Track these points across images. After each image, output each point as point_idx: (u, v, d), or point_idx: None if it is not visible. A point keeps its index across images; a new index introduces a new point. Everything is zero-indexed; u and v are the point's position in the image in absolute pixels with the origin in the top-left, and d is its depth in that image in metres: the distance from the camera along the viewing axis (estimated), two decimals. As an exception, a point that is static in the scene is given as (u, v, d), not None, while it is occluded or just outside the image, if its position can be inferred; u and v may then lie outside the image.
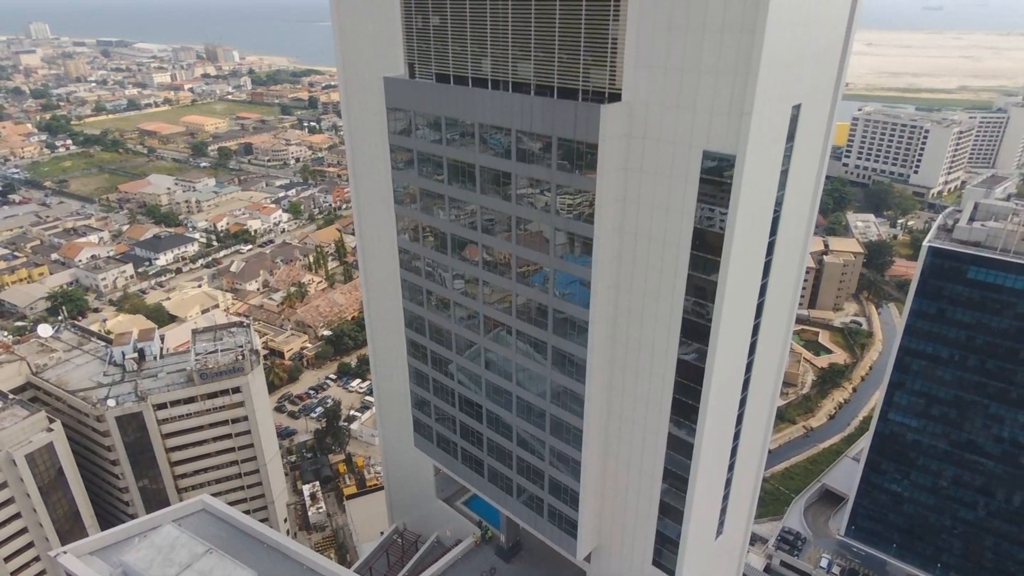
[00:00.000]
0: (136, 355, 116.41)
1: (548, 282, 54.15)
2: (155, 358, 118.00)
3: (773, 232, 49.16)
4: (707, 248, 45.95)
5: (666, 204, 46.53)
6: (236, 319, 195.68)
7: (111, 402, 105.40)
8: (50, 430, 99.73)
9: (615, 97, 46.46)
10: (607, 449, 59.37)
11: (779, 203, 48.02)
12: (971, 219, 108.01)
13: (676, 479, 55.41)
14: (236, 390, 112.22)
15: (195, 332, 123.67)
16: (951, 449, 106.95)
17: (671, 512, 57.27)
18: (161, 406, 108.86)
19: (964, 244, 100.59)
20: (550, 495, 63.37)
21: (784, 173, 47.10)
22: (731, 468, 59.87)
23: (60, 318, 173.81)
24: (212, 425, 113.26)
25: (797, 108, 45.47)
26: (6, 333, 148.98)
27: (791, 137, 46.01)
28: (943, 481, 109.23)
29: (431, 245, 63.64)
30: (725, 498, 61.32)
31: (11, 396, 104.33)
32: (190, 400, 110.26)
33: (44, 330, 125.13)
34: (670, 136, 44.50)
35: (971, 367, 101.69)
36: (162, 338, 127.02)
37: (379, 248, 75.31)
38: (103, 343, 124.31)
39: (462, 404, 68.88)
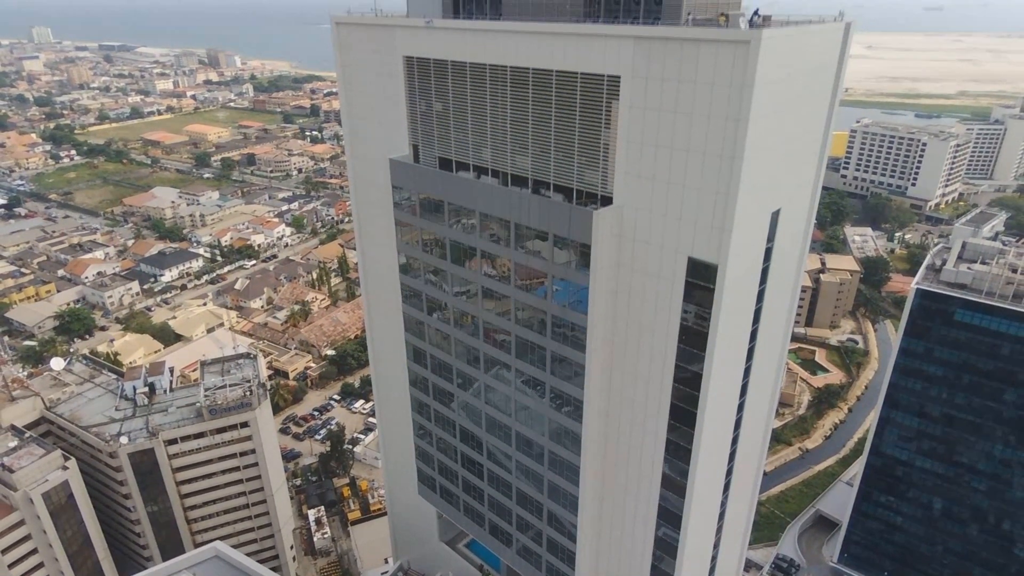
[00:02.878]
0: (147, 389, 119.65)
1: (545, 360, 57.24)
2: (165, 392, 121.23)
3: (756, 321, 52.22)
4: (693, 341, 48.95)
5: (655, 299, 49.54)
6: (241, 338, 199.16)
7: (124, 439, 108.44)
8: (65, 468, 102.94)
9: (608, 199, 49.47)
10: (602, 512, 62.44)
11: (761, 296, 51.04)
12: (959, 258, 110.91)
13: (666, 545, 58.49)
14: (244, 424, 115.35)
15: (203, 364, 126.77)
16: (941, 482, 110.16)
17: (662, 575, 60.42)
18: (172, 441, 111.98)
19: (951, 286, 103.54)
20: (548, 552, 66.56)
21: (765, 271, 50.12)
22: (719, 530, 63.01)
23: (72, 349, 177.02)
24: (221, 459, 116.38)
25: (777, 212, 48.49)
26: (21, 367, 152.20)
27: (771, 239, 49.05)
28: (934, 512, 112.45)
29: (434, 316, 66.73)
30: (714, 559, 64.48)
31: (27, 433, 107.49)
32: (200, 435, 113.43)
33: (56, 363, 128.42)
34: (658, 241, 47.50)
35: (959, 405, 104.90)
36: (171, 370, 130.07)
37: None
38: (114, 376, 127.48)
39: (464, 462, 72.03)
